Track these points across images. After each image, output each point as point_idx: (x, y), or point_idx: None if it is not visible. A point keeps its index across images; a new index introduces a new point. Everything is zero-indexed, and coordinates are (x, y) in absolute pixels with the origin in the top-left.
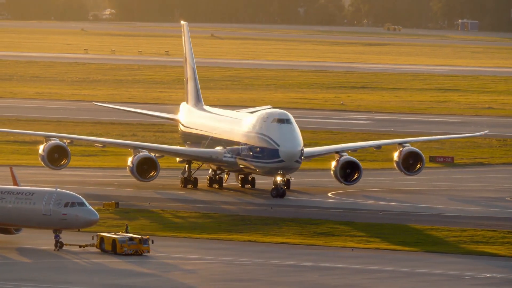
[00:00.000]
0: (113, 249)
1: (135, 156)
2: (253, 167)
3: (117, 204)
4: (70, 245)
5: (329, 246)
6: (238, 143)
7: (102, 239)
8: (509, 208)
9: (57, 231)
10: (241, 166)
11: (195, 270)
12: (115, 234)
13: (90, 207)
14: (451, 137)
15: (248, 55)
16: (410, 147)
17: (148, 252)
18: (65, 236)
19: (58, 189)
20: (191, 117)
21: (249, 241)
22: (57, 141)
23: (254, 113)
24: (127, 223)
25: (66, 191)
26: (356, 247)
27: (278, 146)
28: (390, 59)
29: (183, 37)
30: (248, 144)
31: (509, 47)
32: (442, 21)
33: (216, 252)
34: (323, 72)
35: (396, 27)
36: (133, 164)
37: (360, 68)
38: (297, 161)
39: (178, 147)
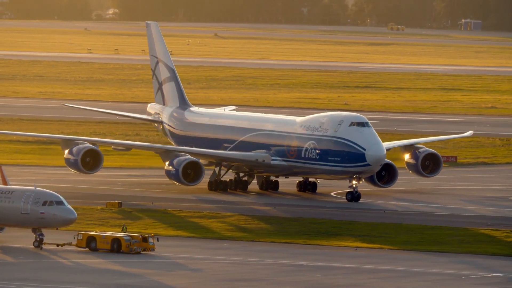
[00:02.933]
0: (115, 248)
1: (174, 159)
2: (319, 171)
3: (120, 204)
4: (48, 244)
5: (333, 246)
6: (291, 146)
7: (91, 238)
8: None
9: (36, 230)
10: (295, 170)
11: (199, 270)
12: (112, 233)
13: (69, 206)
14: (437, 139)
15: (251, 54)
16: (427, 148)
17: (153, 250)
18: (64, 235)
19: (37, 188)
20: (196, 119)
21: (253, 240)
22: (87, 144)
23: (313, 116)
24: (124, 223)
25: (45, 190)
26: (359, 247)
27: (364, 150)
28: (393, 58)
29: (152, 38)
30: (317, 148)
31: None
32: (445, 21)
33: (220, 251)
34: (326, 72)
35: (399, 26)
36: (177, 168)
37: (363, 67)
38: (380, 165)
39: (219, 151)
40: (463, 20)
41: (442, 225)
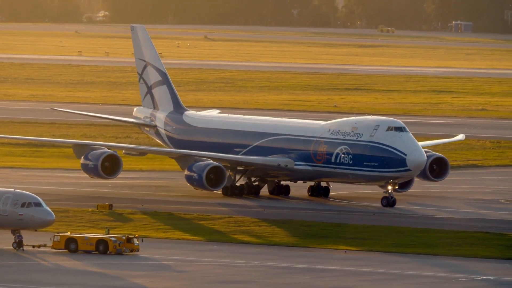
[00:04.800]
0: (101, 249)
1: (195, 164)
2: (352, 176)
3: (110, 206)
4: (26, 245)
5: (322, 248)
6: (318, 151)
7: (71, 240)
8: (503, 210)
9: (16, 231)
10: (321, 175)
11: (187, 271)
12: (94, 234)
13: (47, 207)
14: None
15: (241, 57)
16: (433, 152)
17: (138, 251)
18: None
19: (16, 190)
20: (199, 123)
21: (242, 242)
22: (105, 149)
23: (341, 120)
24: (107, 227)
25: (24, 191)
26: (349, 249)
27: (405, 155)
28: (383, 60)
29: (139, 41)
30: (350, 153)
31: (503, 49)
32: (436, 23)
33: (209, 253)
34: (316, 74)
35: (389, 28)
36: (200, 174)
37: (353, 69)
38: (420, 170)
39: (240, 156)
40: (453, 22)
41: (432, 228)
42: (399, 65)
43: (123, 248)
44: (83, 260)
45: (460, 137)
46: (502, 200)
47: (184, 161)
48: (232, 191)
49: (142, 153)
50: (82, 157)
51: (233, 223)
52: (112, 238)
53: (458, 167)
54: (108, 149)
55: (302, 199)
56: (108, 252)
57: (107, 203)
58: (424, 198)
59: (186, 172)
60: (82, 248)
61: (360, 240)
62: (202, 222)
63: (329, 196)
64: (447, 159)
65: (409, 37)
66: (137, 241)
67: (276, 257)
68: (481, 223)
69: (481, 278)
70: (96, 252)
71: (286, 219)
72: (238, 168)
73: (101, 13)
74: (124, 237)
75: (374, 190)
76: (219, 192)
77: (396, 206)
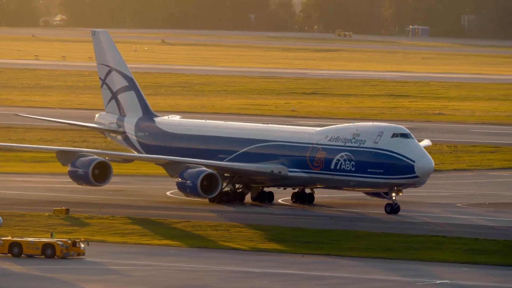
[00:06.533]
0: (48, 253)
1: (187, 171)
2: (353, 183)
3: (67, 210)
4: None
5: (279, 252)
6: (315, 157)
7: (14, 244)
8: (460, 214)
9: None
10: (317, 181)
11: (144, 276)
12: (39, 239)
13: None
14: None
15: (199, 61)
16: None
17: (84, 254)
18: None
19: None
20: (176, 129)
21: (200, 247)
22: (94, 156)
23: (338, 127)
24: (52, 230)
25: None
26: (306, 253)
27: (414, 161)
28: (341, 65)
29: (102, 46)
30: (352, 159)
31: (460, 53)
32: (393, 27)
33: (166, 258)
34: (274, 78)
35: (347, 33)
36: (194, 181)
37: (311, 74)
38: (428, 177)
39: (234, 163)
40: (410, 26)
41: (389, 232)
42: (356, 69)
43: (71, 252)
44: (33, 265)
45: (426, 142)
46: (459, 204)
47: (174, 168)
48: (219, 198)
49: (126, 160)
50: (70, 164)
51: (191, 227)
52: (59, 242)
53: None
54: (104, 157)
55: (287, 206)
56: (55, 256)
57: (63, 208)
58: (380, 202)
59: (178, 179)
60: (27, 252)
61: (317, 244)
62: (159, 226)
63: (313, 202)
64: None
65: (366, 41)
66: (83, 245)
67: (234, 261)
68: (438, 227)
69: (438, 282)
70: (43, 256)
71: (244, 223)
72: (225, 174)
73: (58, 17)
74: (69, 241)
75: (323, 195)
76: (204, 199)
77: (353, 210)
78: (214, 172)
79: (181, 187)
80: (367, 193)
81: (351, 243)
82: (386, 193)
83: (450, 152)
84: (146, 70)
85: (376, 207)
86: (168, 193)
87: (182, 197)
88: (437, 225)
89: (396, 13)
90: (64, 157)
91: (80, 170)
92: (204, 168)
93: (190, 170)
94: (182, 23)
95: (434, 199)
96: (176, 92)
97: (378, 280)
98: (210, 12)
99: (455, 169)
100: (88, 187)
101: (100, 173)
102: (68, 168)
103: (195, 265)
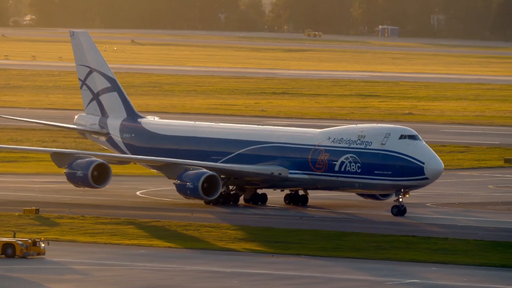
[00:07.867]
0: (9, 253)
1: (186, 173)
2: (358, 185)
3: (37, 210)
4: None
5: (249, 252)
6: (317, 159)
7: None
8: (430, 214)
9: None
10: (319, 183)
11: (114, 276)
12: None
13: None
14: None
15: (169, 61)
16: None
17: (44, 254)
18: None
19: None
20: (165, 131)
21: (170, 247)
22: (94, 158)
23: (342, 128)
24: (14, 230)
25: None
26: (276, 253)
27: (423, 163)
28: (310, 65)
29: (82, 47)
30: (358, 161)
31: (430, 53)
32: (362, 27)
33: (136, 258)
34: (243, 78)
35: (316, 33)
36: (195, 183)
37: (280, 74)
38: (436, 179)
39: (232, 165)
40: (380, 26)
41: (359, 232)
42: (326, 69)
43: (30, 252)
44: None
45: None
46: (429, 204)
47: (172, 170)
48: (217, 200)
49: (122, 162)
50: (67, 166)
51: (161, 227)
52: (19, 242)
53: None
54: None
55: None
56: (15, 256)
57: (33, 207)
58: (350, 203)
59: (177, 181)
60: None
61: (287, 244)
62: (129, 226)
63: (307, 204)
64: None
65: (336, 41)
66: (43, 244)
67: (204, 261)
68: (408, 227)
69: (408, 281)
70: (3, 256)
71: (214, 223)
72: (222, 176)
73: (28, 17)
74: (29, 241)
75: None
76: (200, 201)
77: (323, 210)
78: (215, 174)
79: (181, 189)
80: (361, 195)
81: (321, 243)
82: (383, 195)
83: None
84: (116, 70)
85: (369, 208)
86: (138, 193)
87: (152, 197)
88: (406, 224)
89: (365, 13)
90: (60, 158)
91: (78, 172)
92: (205, 170)
93: (190, 172)
94: (151, 23)
95: (404, 199)
96: (146, 92)
97: (347, 280)
98: (180, 12)
99: None
100: (87, 189)
101: (99, 175)
102: (66, 170)
103: (165, 265)
